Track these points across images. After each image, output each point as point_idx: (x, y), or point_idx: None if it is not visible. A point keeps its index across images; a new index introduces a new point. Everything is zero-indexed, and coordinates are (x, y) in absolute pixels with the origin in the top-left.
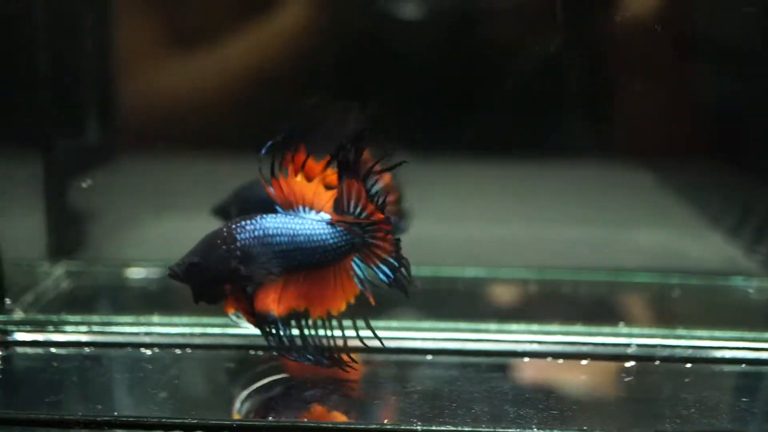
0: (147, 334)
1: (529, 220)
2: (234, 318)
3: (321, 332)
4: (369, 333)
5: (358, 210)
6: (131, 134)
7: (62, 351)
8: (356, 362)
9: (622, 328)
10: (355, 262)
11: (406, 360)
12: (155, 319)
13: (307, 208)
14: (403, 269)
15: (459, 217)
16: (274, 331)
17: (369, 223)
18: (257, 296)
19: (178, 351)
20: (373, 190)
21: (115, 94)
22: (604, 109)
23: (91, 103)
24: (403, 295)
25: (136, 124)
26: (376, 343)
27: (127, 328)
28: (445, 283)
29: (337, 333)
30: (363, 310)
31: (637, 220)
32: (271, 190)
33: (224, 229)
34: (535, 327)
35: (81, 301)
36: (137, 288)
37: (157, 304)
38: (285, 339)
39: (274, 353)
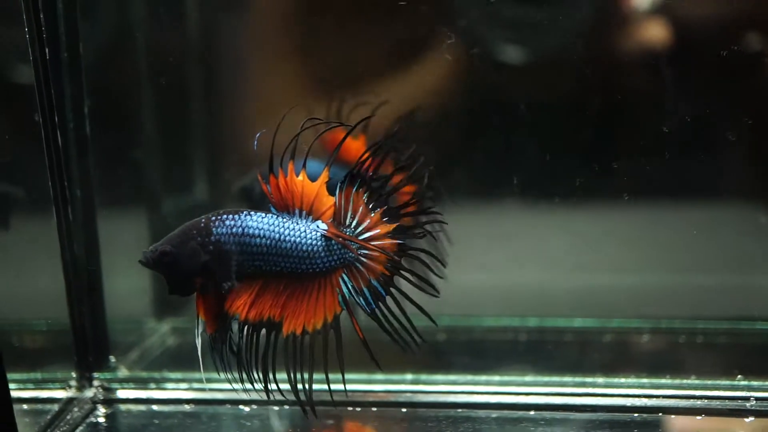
0: (245, 390)
1: (642, 267)
2: (198, 333)
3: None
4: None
5: (355, 222)
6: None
7: (164, 408)
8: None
9: (741, 381)
10: (342, 279)
11: (507, 416)
12: (255, 375)
13: (304, 213)
14: (386, 301)
15: (569, 265)
16: (239, 340)
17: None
18: (230, 296)
19: (275, 408)
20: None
21: (221, 151)
22: (724, 151)
23: (198, 161)
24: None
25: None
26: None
27: (226, 385)
28: (552, 335)
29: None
30: (337, 333)
31: (758, 266)
32: (267, 187)
33: (203, 220)
34: (645, 380)
35: (185, 358)
36: None
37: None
38: (243, 353)
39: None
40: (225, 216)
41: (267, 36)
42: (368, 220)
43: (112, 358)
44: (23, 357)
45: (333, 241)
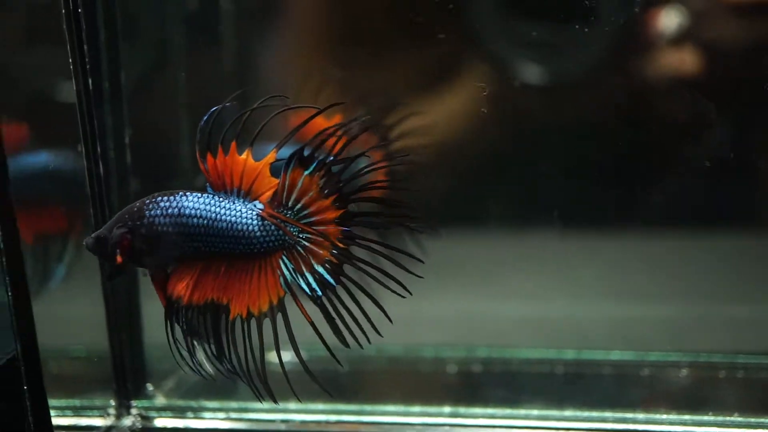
0: (283, 421)
1: (681, 297)
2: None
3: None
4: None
5: (299, 205)
6: None
7: None
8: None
9: None
10: (283, 261)
11: None
12: (291, 405)
13: (242, 192)
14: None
15: (604, 296)
16: (183, 324)
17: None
18: (171, 279)
19: None
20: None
21: None
22: (761, 180)
23: None
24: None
25: None
26: None
27: (263, 415)
28: (589, 368)
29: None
30: (283, 315)
31: None
32: (204, 165)
33: (137, 204)
34: (687, 417)
35: (221, 386)
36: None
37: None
38: (194, 333)
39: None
40: (160, 198)
41: (305, 64)
42: (317, 205)
43: (150, 386)
44: (63, 383)
45: (270, 222)
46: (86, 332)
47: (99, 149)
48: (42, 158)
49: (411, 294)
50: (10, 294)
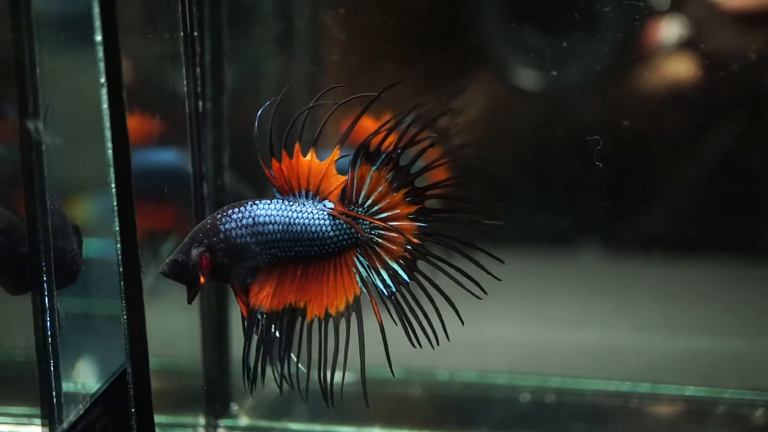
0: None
1: (757, 333)
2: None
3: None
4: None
5: (370, 201)
6: None
7: None
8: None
9: None
10: (358, 259)
11: None
12: (376, 430)
13: (311, 193)
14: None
15: (674, 326)
16: (262, 332)
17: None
18: (252, 289)
19: None
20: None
21: None
22: None
23: None
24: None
25: None
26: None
27: None
28: (664, 402)
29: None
30: (358, 315)
31: None
32: (270, 172)
33: (209, 221)
34: None
35: (301, 405)
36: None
37: (379, 414)
38: (273, 342)
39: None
40: (230, 210)
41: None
42: (387, 200)
43: (234, 406)
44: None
45: (341, 221)
46: (179, 348)
47: (204, 169)
48: (158, 156)
49: (486, 294)
50: (125, 315)
